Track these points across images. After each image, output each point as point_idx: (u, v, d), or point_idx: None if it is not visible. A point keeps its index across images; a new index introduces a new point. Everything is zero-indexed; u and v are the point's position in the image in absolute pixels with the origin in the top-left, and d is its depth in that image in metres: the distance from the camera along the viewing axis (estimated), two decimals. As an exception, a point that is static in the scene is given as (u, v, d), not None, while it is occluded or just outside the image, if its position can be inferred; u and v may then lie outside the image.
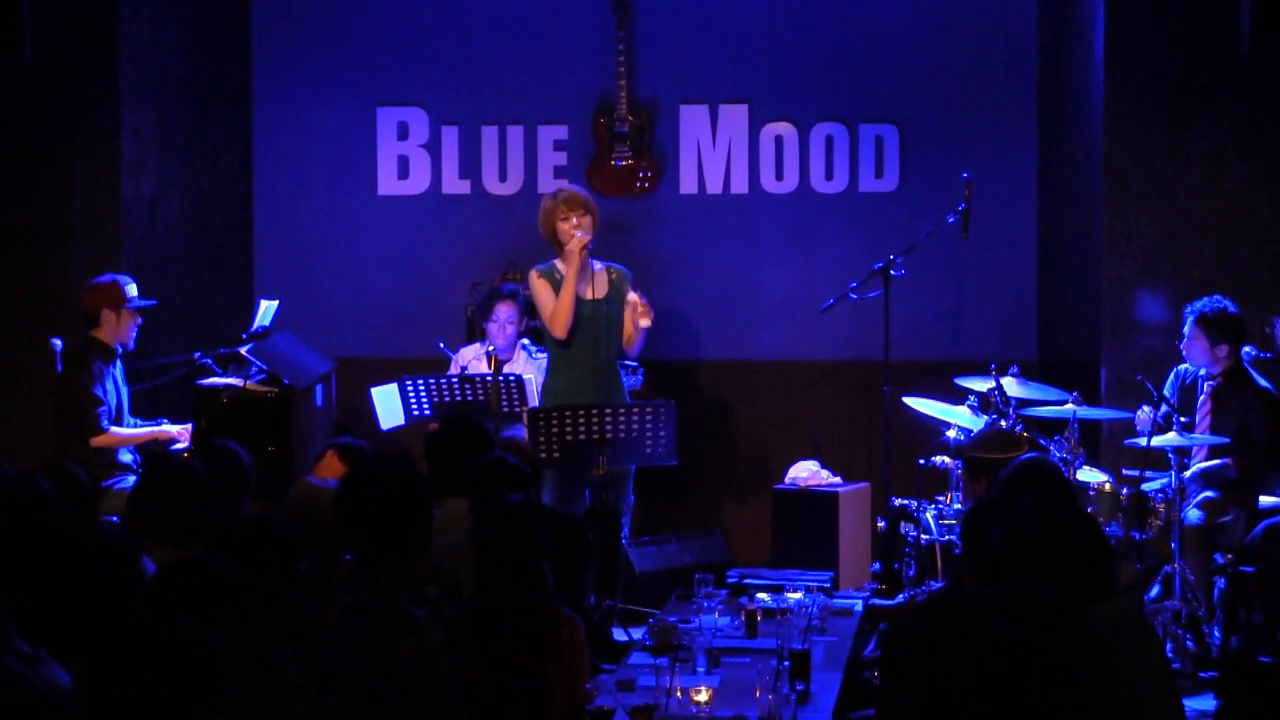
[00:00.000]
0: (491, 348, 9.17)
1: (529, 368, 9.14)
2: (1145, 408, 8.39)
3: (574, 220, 8.54)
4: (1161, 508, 8.19)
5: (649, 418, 7.89)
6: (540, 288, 8.59)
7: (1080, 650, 3.71)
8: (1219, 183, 9.23)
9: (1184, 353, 8.49)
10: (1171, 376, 8.62)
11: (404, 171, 10.86)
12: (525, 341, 9.39)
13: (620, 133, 10.53)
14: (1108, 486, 8.21)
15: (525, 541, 5.30)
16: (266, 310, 9.19)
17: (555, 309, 8.50)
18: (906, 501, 8.74)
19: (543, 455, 7.81)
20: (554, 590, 5.49)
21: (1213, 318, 8.34)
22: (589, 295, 8.66)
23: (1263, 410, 8.34)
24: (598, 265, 8.76)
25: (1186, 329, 8.44)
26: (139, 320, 8.56)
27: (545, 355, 9.39)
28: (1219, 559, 8.12)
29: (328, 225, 10.92)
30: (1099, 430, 9.24)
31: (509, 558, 5.27)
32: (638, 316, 8.52)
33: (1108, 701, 3.65)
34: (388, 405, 9.15)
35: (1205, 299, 8.42)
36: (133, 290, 8.52)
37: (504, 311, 9.25)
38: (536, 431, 7.83)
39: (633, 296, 8.58)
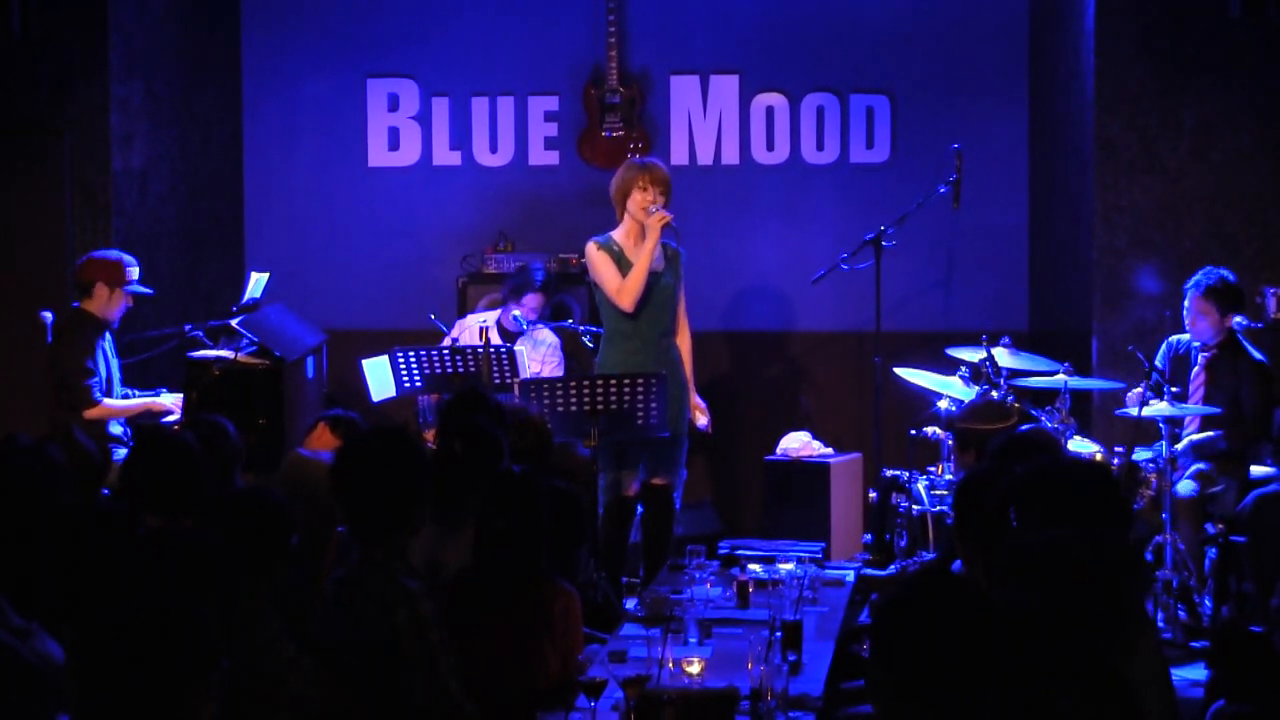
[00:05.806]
0: (496, 318, 9.24)
1: (523, 342, 9.14)
2: (1135, 390, 8.36)
3: (652, 194, 8.33)
4: (1153, 478, 8.19)
5: (640, 390, 7.87)
6: (600, 260, 8.30)
7: (1071, 621, 3.72)
8: (1210, 152, 9.22)
9: (1189, 327, 8.43)
10: (1164, 348, 8.60)
11: (394, 143, 10.84)
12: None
13: (611, 104, 10.50)
14: (1099, 457, 8.21)
15: (524, 512, 5.30)
16: (257, 282, 9.17)
17: (628, 283, 8.25)
18: (898, 472, 8.75)
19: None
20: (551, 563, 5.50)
21: (1221, 289, 8.31)
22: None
23: (1255, 381, 8.34)
24: None
25: (1190, 304, 8.37)
26: (129, 303, 8.49)
27: (543, 327, 9.39)
28: (1210, 529, 8.14)
29: (318, 197, 10.90)
30: (1090, 401, 9.24)
31: (508, 528, 5.27)
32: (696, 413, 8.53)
33: (1096, 671, 3.65)
34: (379, 377, 9.14)
35: (1202, 272, 8.39)
36: (135, 274, 8.41)
37: (533, 300, 9.27)
38: (528, 403, 7.80)
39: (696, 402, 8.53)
